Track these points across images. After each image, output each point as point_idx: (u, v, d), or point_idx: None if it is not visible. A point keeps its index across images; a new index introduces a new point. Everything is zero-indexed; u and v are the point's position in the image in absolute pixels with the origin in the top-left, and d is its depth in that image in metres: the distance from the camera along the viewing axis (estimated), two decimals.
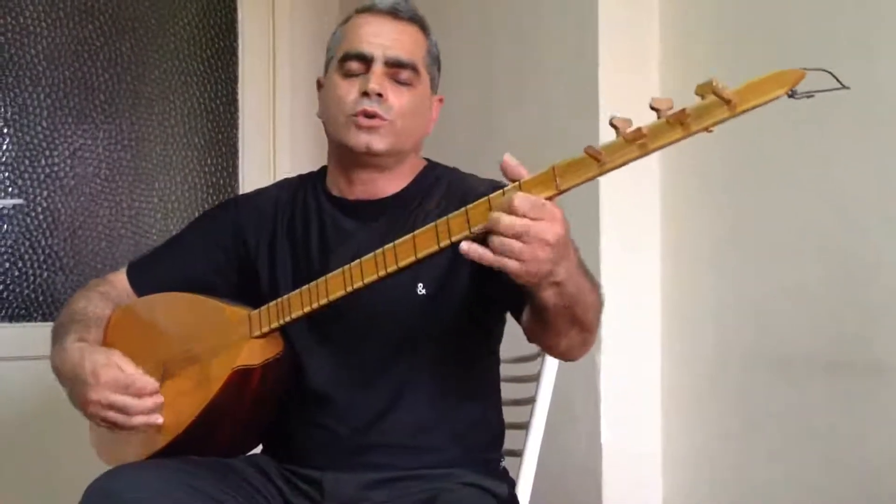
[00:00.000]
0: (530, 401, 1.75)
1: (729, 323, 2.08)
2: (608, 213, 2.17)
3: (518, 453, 1.72)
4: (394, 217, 1.61)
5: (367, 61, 1.59)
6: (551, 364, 1.74)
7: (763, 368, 2.00)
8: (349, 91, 1.60)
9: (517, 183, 1.25)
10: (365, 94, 1.57)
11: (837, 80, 1.09)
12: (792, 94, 1.09)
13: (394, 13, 1.63)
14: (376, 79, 1.58)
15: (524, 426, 1.73)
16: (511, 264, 1.21)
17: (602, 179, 2.19)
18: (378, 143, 1.58)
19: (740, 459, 2.05)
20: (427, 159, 1.73)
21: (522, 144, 2.35)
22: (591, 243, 2.15)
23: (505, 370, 1.75)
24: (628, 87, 2.17)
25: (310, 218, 1.67)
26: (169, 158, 3.28)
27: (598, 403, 2.17)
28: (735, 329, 2.07)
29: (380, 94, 1.57)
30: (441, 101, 1.72)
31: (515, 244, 1.20)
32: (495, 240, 1.20)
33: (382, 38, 1.60)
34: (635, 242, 2.21)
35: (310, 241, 1.65)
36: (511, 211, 1.20)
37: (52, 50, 3.15)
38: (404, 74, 1.60)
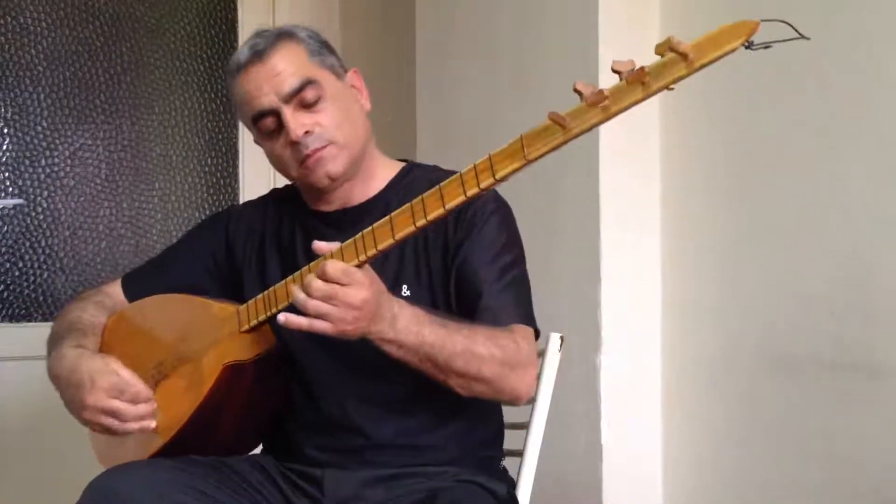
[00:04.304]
0: (530, 401, 1.75)
1: (730, 323, 2.08)
2: (609, 213, 2.16)
3: (518, 453, 1.72)
4: (373, 221, 1.61)
5: (273, 113, 1.58)
6: (551, 364, 1.74)
7: (764, 369, 2.00)
8: (283, 149, 1.60)
9: (330, 252, 1.39)
10: (295, 142, 1.57)
11: (795, 30, 1.07)
12: (749, 46, 1.08)
13: (257, 56, 1.59)
14: (292, 122, 1.56)
15: (524, 426, 1.73)
16: (321, 325, 1.36)
17: (603, 178, 2.22)
18: (334, 166, 1.59)
19: (741, 460, 2.05)
20: (407, 160, 1.73)
21: None
22: (592, 243, 2.15)
23: None
24: None
25: (295, 228, 1.68)
26: (169, 158, 3.28)
27: (598, 403, 2.17)
28: (736, 329, 2.07)
29: (307, 132, 1.57)
30: (356, 72, 1.69)
31: (324, 306, 1.35)
32: (309, 303, 1.35)
33: (266, 84, 1.57)
34: (636, 242, 2.20)
35: (296, 251, 1.66)
36: (322, 277, 1.35)
37: (52, 50, 3.15)
38: (308, 94, 1.57)
